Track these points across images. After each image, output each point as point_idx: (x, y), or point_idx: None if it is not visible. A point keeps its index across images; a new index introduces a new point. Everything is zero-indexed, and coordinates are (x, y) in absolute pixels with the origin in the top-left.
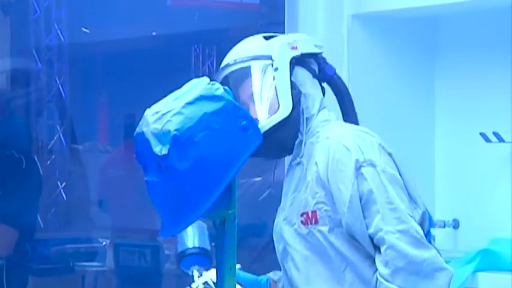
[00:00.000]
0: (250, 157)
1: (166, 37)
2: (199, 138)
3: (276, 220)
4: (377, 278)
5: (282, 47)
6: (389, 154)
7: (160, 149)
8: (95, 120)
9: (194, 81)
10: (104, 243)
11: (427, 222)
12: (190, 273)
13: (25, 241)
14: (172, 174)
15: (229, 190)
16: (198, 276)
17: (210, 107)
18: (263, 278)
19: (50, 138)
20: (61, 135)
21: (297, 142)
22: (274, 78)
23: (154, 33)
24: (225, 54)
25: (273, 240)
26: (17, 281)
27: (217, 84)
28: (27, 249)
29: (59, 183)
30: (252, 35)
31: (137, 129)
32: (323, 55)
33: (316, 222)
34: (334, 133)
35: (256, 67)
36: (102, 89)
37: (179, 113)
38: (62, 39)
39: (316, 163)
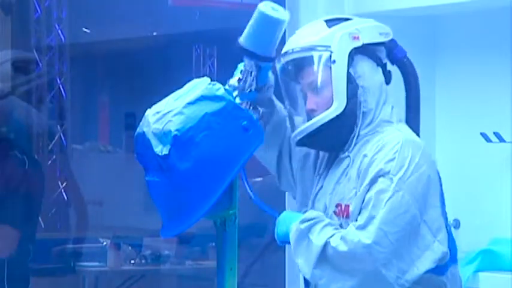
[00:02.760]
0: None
1: (166, 37)
2: (200, 139)
3: (316, 203)
4: (396, 279)
5: (342, 38)
6: (428, 178)
7: (161, 149)
8: (95, 120)
9: (195, 81)
10: (104, 243)
11: (444, 260)
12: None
13: (27, 242)
14: (173, 174)
15: (230, 190)
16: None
17: (211, 107)
18: None
19: (50, 138)
20: (61, 135)
21: (352, 135)
22: (331, 71)
23: (154, 33)
24: (225, 54)
25: (273, 240)
26: (19, 282)
27: (218, 85)
28: (30, 250)
29: (59, 183)
30: None
31: (138, 130)
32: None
33: (348, 216)
34: (387, 137)
35: (314, 58)
36: (102, 89)
37: (180, 113)
38: (63, 39)
39: (361, 160)
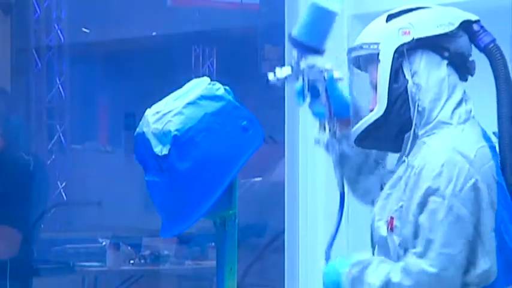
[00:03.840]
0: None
1: (166, 37)
2: (200, 139)
3: (375, 209)
4: None
5: (390, 34)
6: (478, 189)
7: (160, 149)
8: (94, 120)
9: (195, 81)
10: (103, 243)
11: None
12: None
13: (31, 242)
14: (173, 174)
15: (230, 190)
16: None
17: (210, 107)
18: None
19: (50, 138)
20: (61, 135)
21: (406, 136)
22: (377, 71)
23: (154, 33)
24: (225, 54)
25: (273, 240)
26: (21, 282)
27: (218, 85)
28: (33, 251)
29: (59, 183)
30: (252, 35)
31: (138, 130)
32: (476, 24)
33: (392, 230)
34: (440, 144)
35: (367, 57)
36: (102, 89)
37: (180, 113)
38: (62, 39)
39: (411, 169)
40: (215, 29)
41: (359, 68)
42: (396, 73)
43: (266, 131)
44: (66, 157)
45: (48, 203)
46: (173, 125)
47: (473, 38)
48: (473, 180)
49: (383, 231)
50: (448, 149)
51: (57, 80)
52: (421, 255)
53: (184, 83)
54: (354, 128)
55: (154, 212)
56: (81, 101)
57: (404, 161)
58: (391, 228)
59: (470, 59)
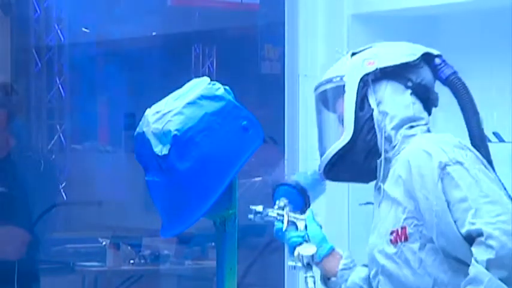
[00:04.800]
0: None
1: (166, 37)
2: (200, 138)
3: (369, 245)
4: None
5: (354, 66)
6: (479, 158)
7: (160, 149)
8: (94, 120)
9: (195, 81)
10: (103, 243)
11: None
12: (277, 203)
13: (37, 242)
14: (173, 174)
15: (230, 190)
16: (281, 208)
17: (210, 107)
18: (328, 245)
19: (50, 138)
20: (61, 135)
21: (378, 162)
22: (344, 102)
23: (154, 33)
24: (225, 54)
25: (273, 240)
26: (29, 282)
27: (218, 84)
28: (39, 250)
29: (58, 183)
30: (252, 35)
31: (138, 129)
32: (438, 57)
33: (406, 239)
34: (414, 144)
35: (333, 90)
36: (102, 89)
37: (180, 113)
38: (62, 39)
39: (399, 178)
40: (215, 29)
41: (326, 106)
42: (362, 102)
43: (266, 131)
44: (66, 157)
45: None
46: (173, 124)
47: (435, 71)
48: (468, 151)
49: (389, 250)
50: (431, 137)
51: (57, 80)
52: (475, 215)
53: (184, 83)
54: (322, 157)
55: (154, 212)
56: (81, 101)
57: (380, 186)
58: (405, 238)
59: (433, 91)
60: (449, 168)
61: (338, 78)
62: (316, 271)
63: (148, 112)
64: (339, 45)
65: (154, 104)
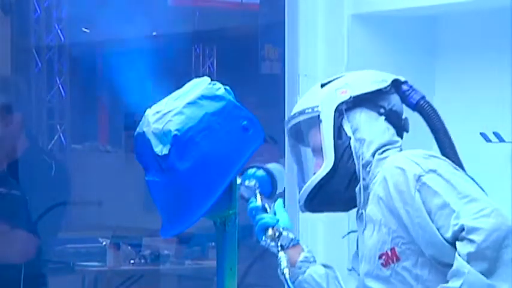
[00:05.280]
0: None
1: (166, 37)
2: (200, 138)
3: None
4: None
5: (327, 96)
6: (452, 165)
7: (161, 149)
8: (94, 120)
9: (195, 81)
10: (103, 243)
11: None
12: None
13: (44, 244)
14: (173, 174)
15: (230, 190)
16: (250, 188)
17: (211, 107)
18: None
19: (50, 138)
20: (61, 135)
21: (356, 191)
22: (320, 132)
23: (154, 33)
24: (226, 54)
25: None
26: (37, 283)
27: (218, 84)
28: (43, 251)
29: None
30: (252, 35)
31: (138, 129)
32: (405, 84)
33: (398, 259)
34: (387, 163)
35: (307, 122)
36: (102, 89)
37: (180, 112)
38: (62, 39)
39: (379, 199)
40: (215, 29)
41: (301, 139)
42: (339, 130)
43: (266, 131)
44: (66, 157)
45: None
46: (173, 124)
47: (404, 97)
48: (438, 159)
49: (383, 273)
50: (402, 153)
51: (57, 80)
52: (457, 217)
53: (184, 83)
54: (302, 190)
55: (154, 212)
56: (81, 101)
57: (362, 213)
58: (396, 259)
59: (404, 117)
60: (423, 178)
61: (310, 110)
62: None
63: (149, 112)
64: (339, 45)
65: (154, 104)
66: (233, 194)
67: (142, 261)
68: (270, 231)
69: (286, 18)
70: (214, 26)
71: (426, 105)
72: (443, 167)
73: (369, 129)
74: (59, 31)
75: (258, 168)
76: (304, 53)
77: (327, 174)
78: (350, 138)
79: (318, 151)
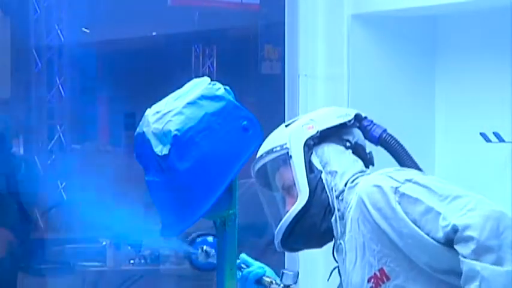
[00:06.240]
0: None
1: (166, 37)
2: (200, 138)
3: None
4: None
5: (294, 132)
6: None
7: (161, 149)
8: (94, 120)
9: (195, 81)
10: (103, 243)
11: None
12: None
13: (19, 244)
14: (173, 174)
15: (230, 190)
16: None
17: (211, 107)
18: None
19: (50, 138)
20: (61, 135)
21: (332, 222)
22: (291, 167)
23: (154, 33)
24: (225, 54)
25: (274, 240)
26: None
27: (218, 84)
28: (20, 252)
29: (59, 183)
30: (252, 35)
31: (138, 129)
32: (365, 119)
33: (388, 278)
34: (361, 185)
35: (276, 160)
36: (102, 89)
37: (180, 113)
38: (62, 39)
39: (358, 223)
40: (215, 29)
41: (270, 179)
42: (309, 165)
43: (266, 131)
44: (66, 157)
45: (48, 203)
46: (173, 124)
47: (366, 131)
48: (408, 172)
49: None
50: (371, 179)
51: (57, 80)
52: (445, 217)
53: (184, 83)
54: (278, 227)
55: (154, 212)
56: (81, 101)
57: (340, 244)
58: (387, 278)
59: (368, 150)
60: (401, 189)
61: (278, 148)
62: None
63: (149, 112)
64: (339, 45)
65: (154, 104)
66: (233, 194)
67: (142, 261)
68: (266, 279)
69: (286, 18)
70: (214, 26)
71: (389, 138)
72: (417, 175)
73: (339, 161)
74: (58, 31)
75: (207, 235)
76: (304, 53)
77: (303, 208)
78: (321, 172)
79: (290, 188)
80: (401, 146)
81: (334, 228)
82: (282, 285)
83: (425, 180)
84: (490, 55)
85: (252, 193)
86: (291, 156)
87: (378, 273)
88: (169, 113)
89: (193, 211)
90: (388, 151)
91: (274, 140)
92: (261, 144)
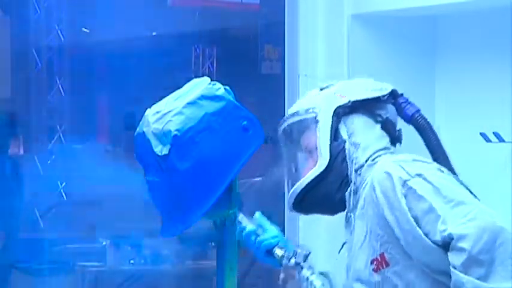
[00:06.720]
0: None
1: (166, 37)
2: (200, 138)
3: (344, 282)
4: None
5: (326, 98)
6: (439, 169)
7: (161, 149)
8: (94, 120)
9: (195, 81)
10: (103, 243)
11: None
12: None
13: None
14: (173, 174)
15: (230, 190)
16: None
17: (211, 107)
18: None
19: (50, 138)
20: (61, 135)
21: (346, 194)
22: (316, 132)
23: (154, 33)
24: (225, 54)
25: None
26: None
27: (218, 84)
28: (11, 250)
29: (59, 183)
30: (252, 35)
31: (138, 129)
32: (402, 97)
33: (388, 264)
34: (376, 168)
35: (303, 122)
36: (102, 89)
37: (180, 113)
38: (62, 39)
39: (367, 204)
40: (215, 29)
41: (295, 139)
42: (335, 133)
43: (266, 131)
44: (66, 157)
45: (48, 203)
46: (173, 124)
47: (400, 109)
48: (424, 163)
49: (374, 279)
50: (386, 164)
51: (57, 80)
52: (444, 222)
53: (185, 83)
54: (293, 188)
55: (154, 212)
56: (81, 101)
57: (350, 216)
58: (386, 264)
59: (398, 128)
60: (409, 182)
61: (310, 110)
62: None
63: (149, 112)
64: (339, 45)
65: (154, 104)
66: (233, 194)
67: (142, 261)
68: (278, 251)
69: (286, 18)
70: (214, 26)
71: (421, 119)
72: (429, 170)
73: (364, 134)
74: (58, 31)
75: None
76: (304, 53)
77: (320, 174)
78: (345, 141)
79: (312, 152)
80: (431, 128)
81: (347, 200)
82: (293, 261)
83: (435, 178)
84: (490, 55)
85: (252, 193)
86: (318, 121)
87: (379, 258)
88: (169, 113)
89: (193, 211)
90: (418, 131)
91: (305, 102)
92: (261, 144)
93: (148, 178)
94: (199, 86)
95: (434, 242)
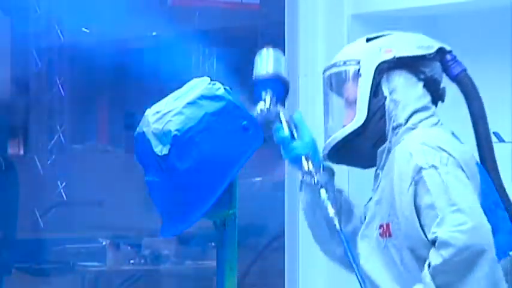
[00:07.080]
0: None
1: (166, 37)
2: (200, 138)
3: (365, 230)
4: None
5: (370, 51)
6: (459, 165)
7: (160, 149)
8: (94, 120)
9: (195, 81)
10: (103, 243)
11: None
12: (262, 97)
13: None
14: (173, 174)
15: (230, 190)
16: (267, 101)
17: (210, 107)
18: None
19: (50, 138)
20: (61, 135)
21: (379, 151)
22: (358, 86)
23: (154, 33)
24: (225, 54)
25: (273, 240)
26: None
27: (218, 84)
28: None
29: (59, 183)
30: (252, 35)
31: (138, 129)
32: (449, 54)
33: (390, 235)
34: (408, 140)
35: (345, 72)
36: (102, 89)
37: (180, 113)
38: (62, 39)
39: (388, 174)
40: (215, 29)
41: (336, 88)
42: (376, 88)
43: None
44: (66, 157)
45: (48, 203)
46: (173, 124)
47: (446, 67)
48: (448, 155)
49: (379, 242)
50: (423, 134)
51: (57, 80)
52: (439, 224)
53: (185, 83)
54: (330, 138)
55: (154, 212)
56: (81, 101)
57: (378, 174)
58: (389, 234)
59: (442, 86)
60: (424, 172)
61: (354, 62)
62: None
63: (149, 112)
64: (339, 45)
65: (154, 104)
66: (233, 194)
67: (142, 261)
68: (304, 163)
69: (286, 18)
70: (214, 26)
71: (466, 79)
72: (448, 165)
73: (406, 92)
74: (58, 31)
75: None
76: (304, 53)
77: (357, 128)
78: (385, 98)
79: (351, 104)
80: (475, 89)
81: (378, 157)
82: (316, 179)
83: (449, 176)
84: (490, 55)
85: (252, 193)
86: (360, 75)
87: (385, 226)
88: (169, 113)
89: (193, 211)
90: (461, 91)
91: (351, 52)
92: (261, 144)
93: (148, 178)
94: (199, 85)
95: (425, 236)
